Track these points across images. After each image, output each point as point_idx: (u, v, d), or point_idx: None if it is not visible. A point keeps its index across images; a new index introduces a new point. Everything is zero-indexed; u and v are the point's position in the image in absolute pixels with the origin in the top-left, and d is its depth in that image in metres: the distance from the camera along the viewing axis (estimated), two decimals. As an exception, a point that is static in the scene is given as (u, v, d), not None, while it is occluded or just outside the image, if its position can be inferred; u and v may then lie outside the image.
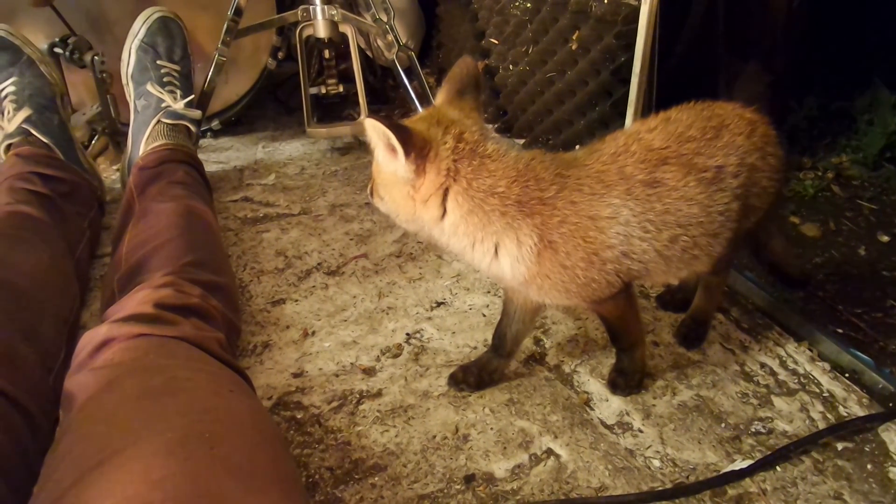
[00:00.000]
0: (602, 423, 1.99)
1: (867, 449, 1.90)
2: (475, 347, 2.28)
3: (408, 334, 2.34)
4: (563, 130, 3.29)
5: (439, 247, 1.86)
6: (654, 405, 2.05)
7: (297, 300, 2.51)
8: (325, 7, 3.23)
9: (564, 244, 1.65)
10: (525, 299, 1.98)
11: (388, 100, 4.02)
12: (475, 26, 3.72)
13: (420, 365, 2.21)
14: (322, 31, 3.26)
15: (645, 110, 2.72)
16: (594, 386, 2.12)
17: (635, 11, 2.61)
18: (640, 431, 1.96)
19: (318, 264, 2.72)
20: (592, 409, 2.04)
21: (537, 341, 2.31)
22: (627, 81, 2.69)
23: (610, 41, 2.81)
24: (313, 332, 2.35)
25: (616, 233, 1.68)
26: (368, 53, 4.00)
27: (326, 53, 3.51)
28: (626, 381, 2.09)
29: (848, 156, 3.54)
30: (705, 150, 1.76)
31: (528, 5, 3.27)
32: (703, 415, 2.01)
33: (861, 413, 2.00)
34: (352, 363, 2.21)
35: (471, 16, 3.74)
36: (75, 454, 1.23)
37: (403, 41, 4.09)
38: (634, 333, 2.04)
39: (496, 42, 3.54)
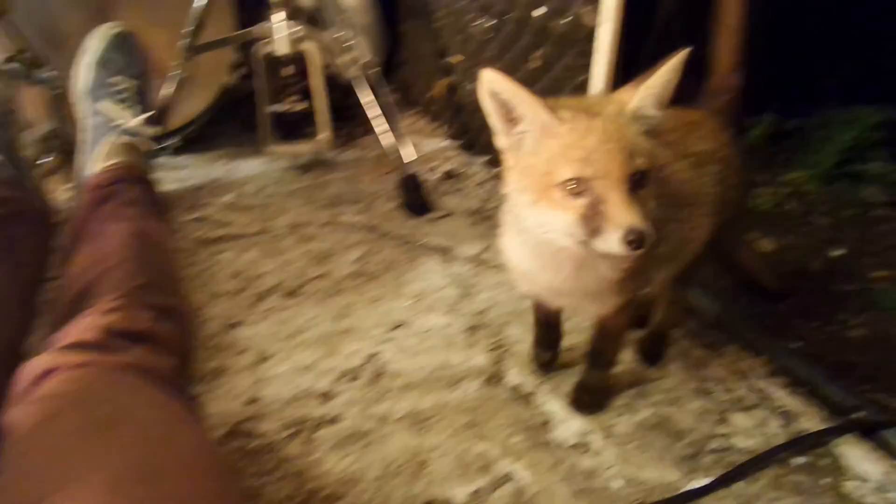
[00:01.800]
0: (562, 444, 1.98)
1: (823, 464, 1.92)
2: (435, 369, 2.25)
3: (366, 357, 2.31)
4: (525, 148, 3.30)
5: None
6: (614, 424, 2.05)
7: (253, 323, 2.46)
8: (286, 24, 3.20)
9: None
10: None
11: (352, 117, 4.00)
12: (438, 44, 3.73)
13: (379, 388, 2.17)
14: (282, 47, 3.24)
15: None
16: (555, 405, 2.11)
17: (595, 31, 2.64)
18: (601, 452, 1.95)
19: (276, 285, 2.67)
20: (553, 429, 2.03)
21: (497, 361, 2.29)
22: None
23: (571, 59, 2.84)
24: (268, 357, 2.30)
25: (660, 212, 1.72)
26: (332, 70, 3.97)
27: (287, 70, 3.47)
28: (591, 399, 2.09)
29: (803, 171, 3.62)
30: (688, 139, 1.90)
31: (491, 23, 3.29)
32: (662, 433, 2.02)
33: (817, 427, 2.02)
34: (308, 388, 2.17)
35: (434, 33, 3.75)
36: (14, 492, 1.17)
37: (367, 58, 4.10)
38: (618, 350, 2.08)
39: (458, 60, 3.55)
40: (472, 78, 3.45)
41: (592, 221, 1.41)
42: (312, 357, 2.30)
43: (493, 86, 1.49)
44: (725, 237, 2.14)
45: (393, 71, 4.53)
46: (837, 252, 3.07)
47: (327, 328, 2.44)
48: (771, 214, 3.35)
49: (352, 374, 2.23)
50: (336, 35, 3.30)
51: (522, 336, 2.39)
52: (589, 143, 1.41)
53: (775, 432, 2.01)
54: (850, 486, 1.85)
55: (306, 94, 3.62)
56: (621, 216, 1.37)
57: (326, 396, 2.13)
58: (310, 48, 3.31)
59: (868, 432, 2.02)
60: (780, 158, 3.72)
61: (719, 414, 2.08)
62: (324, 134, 3.48)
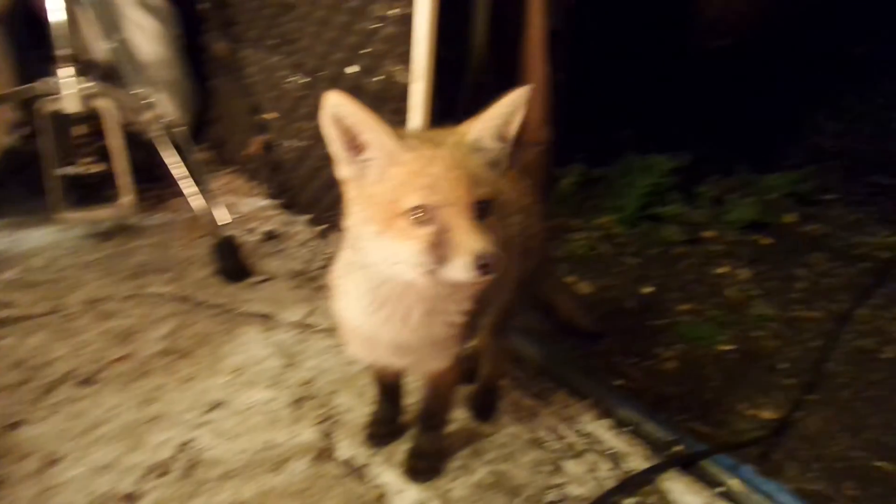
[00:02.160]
0: (399, 517, 1.87)
1: (651, 501, 1.97)
2: (257, 451, 2.06)
3: (178, 446, 2.06)
4: (347, 204, 3.23)
5: None
6: (451, 489, 1.97)
7: (38, 421, 2.12)
8: (76, 80, 2.91)
9: None
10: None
11: (160, 178, 3.70)
12: (251, 100, 3.59)
13: (193, 481, 1.94)
14: (71, 105, 2.93)
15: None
16: (389, 477, 2.00)
17: (409, 88, 2.65)
18: (440, 520, 1.87)
19: (68, 373, 2.34)
20: (389, 503, 1.91)
21: (326, 434, 2.15)
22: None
23: (386, 117, 2.80)
24: (57, 460, 1.98)
25: None
26: (134, 128, 3.67)
27: (80, 129, 3.15)
28: (427, 464, 2.00)
29: (611, 216, 3.87)
30: None
31: (304, 80, 3.22)
32: (499, 491, 1.97)
33: (643, 466, 2.07)
34: (107, 492, 1.88)
35: (246, 90, 3.61)
36: None
37: (174, 115, 3.85)
38: (451, 407, 2.02)
39: (273, 117, 3.43)
40: (289, 135, 3.36)
41: (440, 249, 1.39)
42: (113, 453, 2.02)
43: (337, 110, 1.42)
44: (540, 284, 2.18)
45: (205, 128, 4.30)
46: (647, 289, 3.28)
47: (131, 417, 2.17)
48: (586, 258, 3.53)
49: (161, 469, 1.98)
50: (135, 92, 3.05)
51: (353, 404, 2.27)
52: (435, 170, 1.40)
53: (606, 475, 2.04)
54: (676, 520, 1.91)
55: (105, 155, 3.30)
56: (469, 242, 1.36)
57: (131, 498, 1.87)
58: (105, 105, 3.03)
59: (688, 465, 2.11)
60: (590, 204, 3.96)
61: (552, 464, 2.08)
62: (126, 197, 3.18)
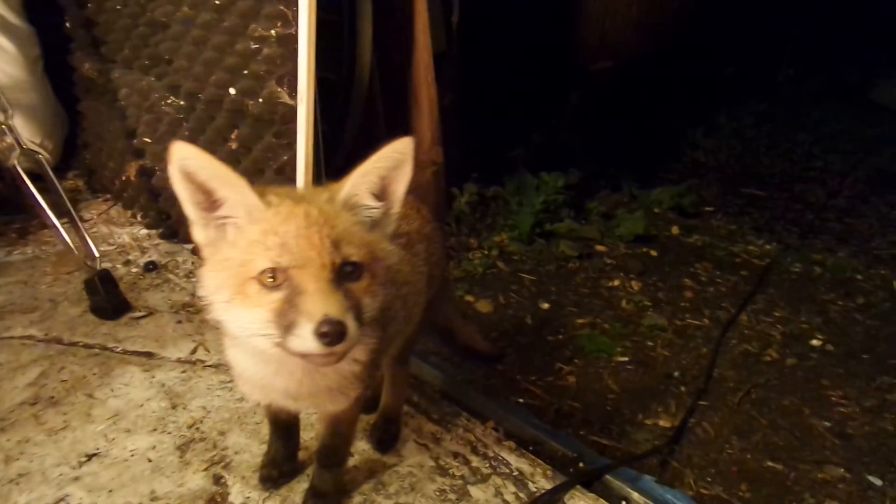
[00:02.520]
0: (298, 563, 1.75)
1: (557, 521, 1.95)
2: (139, 504, 1.88)
3: (48, 505, 1.85)
4: (235, 232, 3.07)
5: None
6: (353, 527, 1.87)
7: None
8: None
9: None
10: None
11: (21, 209, 3.39)
12: (125, 124, 3.36)
13: (65, 544, 1.74)
14: None
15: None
16: (287, 520, 1.87)
17: (293, 110, 2.55)
18: (341, 562, 1.76)
19: (-89, 434, 2.07)
20: (286, 548, 1.79)
21: (218, 479, 1.99)
22: (294, 180, 2.60)
23: (271, 140, 2.71)
24: None
25: (385, 291, 1.60)
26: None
27: (-75, 160, 2.83)
28: (327, 503, 1.88)
29: (507, 234, 3.91)
30: None
31: (182, 103, 3.04)
32: (404, 525, 1.89)
33: (548, 485, 2.05)
34: (-40, 567, 1.66)
35: (119, 113, 3.38)
36: None
37: (37, 141, 3.56)
38: (351, 443, 1.90)
39: (149, 141, 3.22)
40: (167, 161, 3.17)
41: (286, 316, 1.22)
42: (-32, 524, 1.78)
43: (187, 163, 1.26)
44: (437, 310, 2.14)
45: (75, 154, 4.00)
46: (545, 305, 3.32)
47: (-9, 478, 1.93)
48: (484, 277, 3.53)
49: (27, 534, 1.76)
50: (-13, 117, 2.78)
51: (245, 443, 2.12)
52: (288, 228, 1.25)
53: (510, 500, 2.00)
54: (583, 538, 1.90)
55: (-42, 187, 3.00)
56: (315, 306, 1.20)
57: (-11, 574, 1.65)
58: (-47, 133, 2.74)
59: (592, 481, 2.11)
60: (485, 223, 3.98)
61: (457, 491, 2.02)
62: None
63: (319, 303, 1.20)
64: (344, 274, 1.28)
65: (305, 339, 1.20)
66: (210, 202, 1.30)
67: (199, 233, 1.34)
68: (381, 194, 1.40)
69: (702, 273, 3.80)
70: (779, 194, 5.16)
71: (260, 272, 1.24)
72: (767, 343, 3.11)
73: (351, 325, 1.22)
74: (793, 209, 4.88)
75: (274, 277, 1.24)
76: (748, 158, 5.90)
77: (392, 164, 1.36)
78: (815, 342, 3.15)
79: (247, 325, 1.28)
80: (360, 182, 1.36)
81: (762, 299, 3.54)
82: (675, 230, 4.34)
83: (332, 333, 1.19)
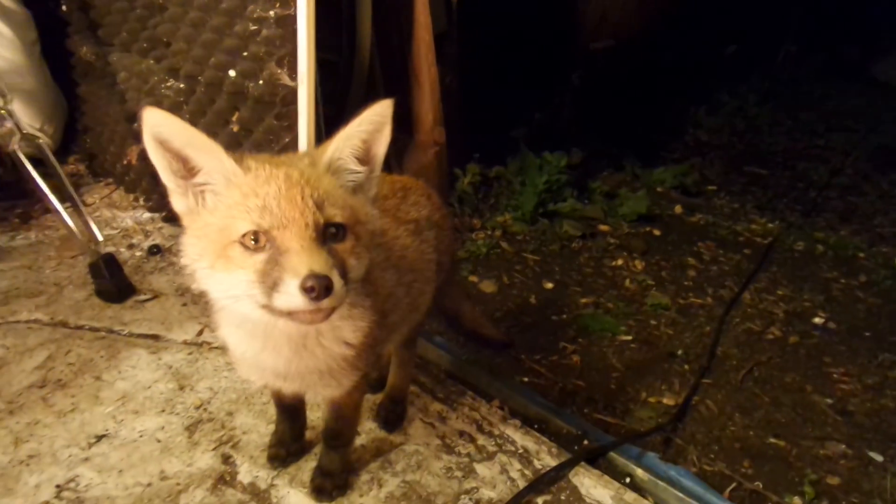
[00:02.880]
0: (307, 540, 1.77)
1: (563, 497, 1.96)
2: (149, 484, 1.90)
3: (58, 486, 1.88)
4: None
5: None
6: (361, 504, 1.89)
7: None
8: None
9: (375, 294, 1.57)
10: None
11: (24, 194, 3.39)
12: (125, 108, 3.35)
13: (75, 524, 1.76)
14: (-88, 119, 2.63)
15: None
16: (296, 497, 1.89)
17: (293, 92, 2.54)
18: (350, 539, 1.78)
19: (-77, 417, 2.09)
20: (295, 525, 1.81)
21: (226, 458, 2.01)
22: (295, 160, 2.59)
23: (272, 122, 2.70)
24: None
25: (387, 278, 1.64)
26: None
27: (-74, 146, 2.83)
28: (333, 482, 1.90)
29: (510, 214, 3.90)
30: (402, 206, 1.82)
31: (181, 86, 3.03)
32: (411, 502, 1.91)
33: (553, 463, 2.07)
34: (-25, 546, 1.68)
35: (118, 97, 3.36)
36: None
37: (37, 126, 3.55)
38: (356, 426, 1.91)
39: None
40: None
41: (270, 276, 1.21)
42: (-18, 501, 1.81)
43: (159, 130, 1.24)
44: (446, 295, 2.14)
45: (76, 139, 3.99)
46: (549, 285, 3.32)
47: (1, 460, 1.95)
48: (487, 257, 3.53)
49: (38, 514, 1.79)
50: (-14, 103, 2.77)
51: (253, 423, 2.14)
52: (269, 190, 1.24)
53: (516, 476, 2.02)
54: (588, 514, 1.92)
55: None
56: (300, 262, 1.19)
57: (5, 550, 1.68)
58: (-47, 118, 2.73)
59: (596, 458, 2.13)
60: (488, 204, 3.97)
61: (464, 468, 2.04)
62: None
63: (304, 259, 1.20)
64: (328, 235, 1.28)
65: (291, 294, 1.19)
66: (187, 169, 1.30)
67: (177, 201, 1.34)
68: (364, 157, 1.40)
69: (705, 252, 3.80)
70: (781, 172, 5.15)
71: (242, 235, 1.24)
72: (770, 321, 3.12)
73: (336, 280, 1.21)
74: (795, 187, 4.87)
75: (256, 240, 1.24)
76: (750, 137, 5.88)
77: (373, 126, 1.36)
78: (817, 320, 3.15)
79: (231, 289, 1.27)
80: (343, 145, 1.36)
81: (765, 277, 3.54)
82: (677, 209, 4.33)
83: (318, 287, 1.18)
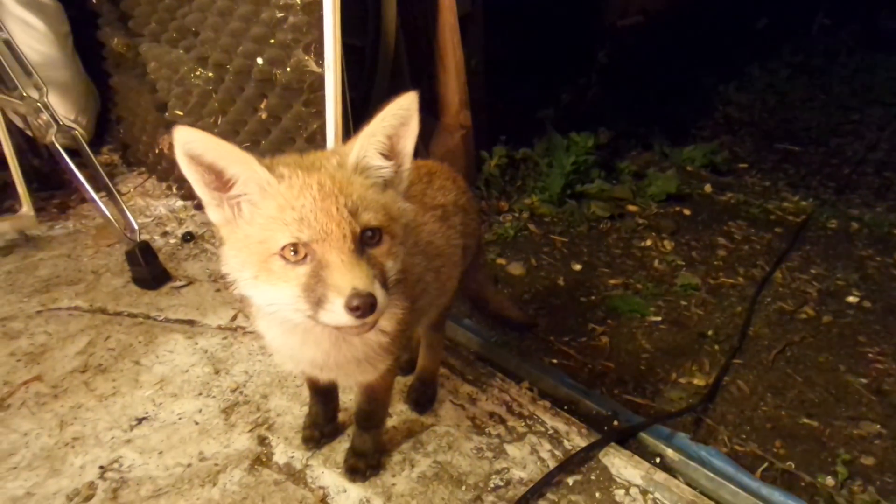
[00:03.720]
0: (343, 519, 1.82)
1: (593, 477, 1.98)
2: (189, 465, 1.96)
3: (101, 467, 1.94)
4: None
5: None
6: (394, 484, 1.93)
7: (-58, 455, 1.96)
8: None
9: (406, 281, 1.56)
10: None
11: (61, 184, 3.48)
12: (156, 97, 3.40)
13: (121, 503, 1.83)
14: (-47, 113, 2.70)
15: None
16: (330, 478, 1.94)
17: (321, 78, 2.56)
18: (384, 517, 1.82)
19: (-27, 401, 2.17)
20: (331, 504, 1.86)
21: (262, 440, 2.06)
22: (324, 147, 2.62)
23: (300, 108, 2.73)
24: (-32, 495, 1.84)
25: (417, 263, 1.65)
26: (29, 133, 3.43)
27: (-34, 139, 2.91)
28: (367, 463, 1.94)
29: (537, 196, 3.89)
30: (429, 192, 1.82)
31: (210, 74, 3.07)
32: (443, 482, 1.94)
33: (583, 443, 2.09)
34: (26, 523, 1.76)
35: (149, 87, 3.42)
36: None
37: (72, 117, 3.62)
38: (387, 408, 1.95)
39: (181, 114, 3.26)
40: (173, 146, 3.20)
41: (315, 291, 1.24)
42: (31, 482, 1.88)
43: (192, 147, 1.25)
44: (471, 279, 2.15)
45: (109, 129, 4.07)
46: (577, 267, 3.32)
47: (48, 442, 2.03)
48: (515, 240, 3.54)
49: (85, 493, 1.86)
50: (24, 95, 2.84)
51: (287, 406, 2.19)
52: (305, 202, 1.25)
53: (546, 457, 2.04)
54: (619, 494, 1.93)
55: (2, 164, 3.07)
56: (343, 280, 1.21)
57: (53, 529, 1.75)
58: (-8, 111, 2.80)
59: (626, 438, 2.14)
60: (515, 186, 3.97)
61: (494, 449, 2.07)
62: (25, 207, 2.95)
63: (347, 276, 1.22)
64: (365, 240, 1.29)
65: (338, 313, 1.22)
66: (221, 182, 1.30)
67: (214, 213, 1.34)
68: (390, 153, 1.38)
69: (736, 231, 3.75)
70: (814, 149, 5.05)
71: (282, 248, 1.25)
72: (803, 300, 3.08)
73: (380, 294, 1.24)
74: (829, 164, 4.77)
75: (296, 252, 1.25)
76: (782, 112, 5.76)
77: (398, 121, 1.34)
78: (851, 299, 3.10)
79: (277, 300, 1.30)
80: (367, 143, 1.35)
81: (798, 256, 3.49)
82: (707, 188, 4.28)
83: (363, 306, 1.20)
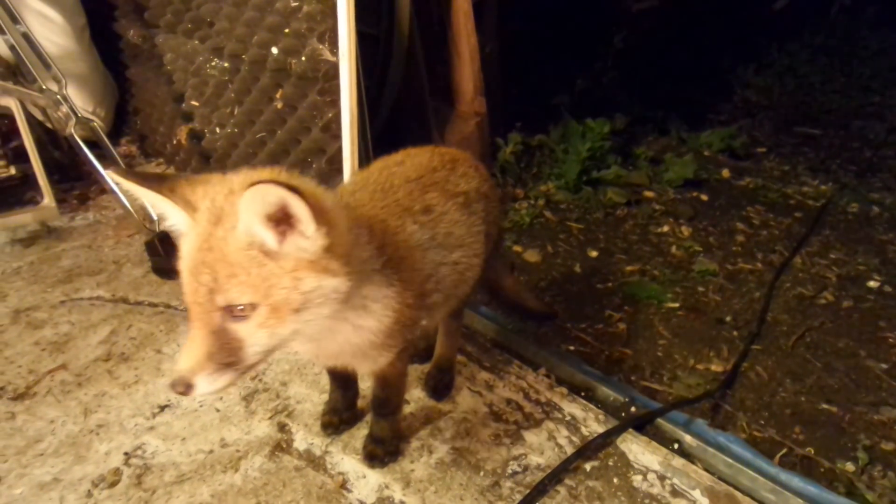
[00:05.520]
0: (363, 504, 1.84)
1: (611, 463, 1.99)
2: (211, 451, 1.99)
3: (126, 454, 1.98)
4: (283, 191, 3.13)
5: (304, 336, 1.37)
6: (412, 470, 1.95)
7: (-30, 442, 2.00)
8: (-25, 79, 2.71)
9: (410, 279, 1.56)
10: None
11: (81, 176, 3.52)
12: (172, 88, 3.43)
13: (145, 489, 1.86)
14: (-26, 106, 2.74)
15: (363, 164, 2.67)
16: (349, 464, 1.96)
17: (335, 67, 2.56)
18: (403, 503, 1.84)
19: (0, 389, 2.21)
20: (350, 490, 1.88)
21: (282, 427, 2.09)
22: (339, 136, 2.62)
23: (315, 98, 2.73)
24: (-2, 479, 1.88)
25: (429, 259, 1.64)
26: (49, 126, 3.48)
27: (-12, 131, 2.95)
28: (385, 449, 1.96)
29: (553, 183, 3.88)
30: (452, 178, 1.82)
31: (226, 65, 3.08)
32: (461, 468, 1.96)
33: (600, 429, 2.09)
34: (54, 508, 1.80)
35: (166, 78, 3.44)
36: None
37: (90, 109, 3.66)
38: (402, 394, 1.96)
39: (197, 104, 3.28)
40: (215, 123, 3.23)
41: None
42: (57, 468, 1.92)
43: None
44: (489, 267, 2.15)
45: (127, 120, 4.10)
46: (593, 253, 3.31)
47: (73, 429, 2.06)
48: (531, 226, 3.53)
49: (110, 479, 1.89)
50: (44, 88, 2.87)
51: (306, 393, 2.21)
52: (184, 258, 1.24)
53: (564, 443, 2.05)
54: (637, 479, 1.94)
55: (19, 156, 3.11)
56: (180, 357, 1.23)
57: (80, 513, 1.78)
58: (12, 105, 2.83)
59: (644, 425, 2.14)
60: (531, 173, 3.96)
61: (511, 435, 2.08)
62: (46, 199, 3.00)
63: (181, 355, 1.23)
64: (233, 312, 1.22)
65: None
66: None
67: None
68: (281, 220, 1.19)
69: (754, 216, 3.72)
70: (835, 132, 4.98)
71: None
72: (823, 286, 3.05)
73: (201, 380, 1.21)
74: (849, 147, 4.70)
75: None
76: (802, 95, 5.68)
77: (269, 206, 1.16)
78: (872, 283, 3.07)
79: None
80: (250, 207, 1.16)
81: (817, 241, 3.46)
82: (725, 173, 4.24)
83: (180, 389, 1.21)
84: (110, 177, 1.25)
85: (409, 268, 1.57)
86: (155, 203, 1.29)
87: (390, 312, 1.52)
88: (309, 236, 1.20)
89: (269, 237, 1.20)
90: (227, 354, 1.22)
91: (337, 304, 1.31)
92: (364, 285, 1.42)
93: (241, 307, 1.21)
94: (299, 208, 1.16)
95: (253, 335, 1.24)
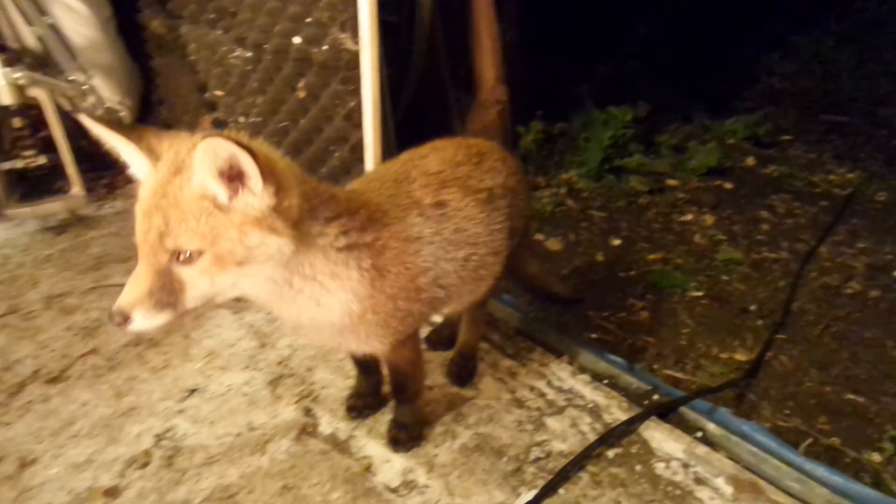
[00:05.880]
0: (387, 487, 1.86)
1: (634, 451, 1.99)
2: (239, 434, 2.03)
3: (156, 436, 2.02)
4: (306, 179, 3.16)
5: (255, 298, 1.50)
6: (436, 455, 1.97)
7: (8, 423, 2.05)
8: (5, 70, 2.75)
9: (392, 269, 1.58)
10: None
11: (108, 165, 3.57)
12: (196, 78, 3.46)
13: (175, 470, 1.90)
14: (4, 97, 2.78)
15: (385, 153, 2.69)
16: (374, 448, 1.98)
17: (357, 56, 2.57)
18: (427, 487, 1.86)
19: (34, 373, 2.27)
20: (375, 474, 1.91)
21: (308, 411, 2.12)
22: (361, 125, 2.64)
23: (337, 87, 2.75)
24: (34, 460, 1.92)
25: (427, 254, 1.64)
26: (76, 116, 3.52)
27: (17, 122, 3.00)
28: (408, 434, 1.99)
29: (575, 171, 3.86)
30: (475, 174, 1.81)
31: (249, 55, 3.10)
32: (484, 453, 1.97)
33: (623, 417, 2.09)
34: (89, 487, 1.84)
35: (190, 68, 3.48)
36: None
37: (117, 99, 3.70)
38: (420, 381, 1.98)
39: (220, 94, 3.31)
40: (239, 112, 3.26)
41: None
42: (90, 449, 1.97)
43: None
44: (516, 255, 2.15)
45: (152, 110, 4.15)
46: (616, 242, 3.30)
47: (105, 412, 2.11)
48: (553, 215, 3.52)
49: (141, 460, 1.94)
50: (71, 78, 2.91)
51: (331, 379, 2.24)
52: (139, 201, 1.32)
53: (587, 430, 2.06)
54: (660, 467, 1.94)
55: (49, 146, 3.17)
56: (124, 290, 1.31)
57: (113, 492, 1.83)
58: (41, 96, 2.88)
59: (666, 413, 2.14)
60: (553, 161, 3.94)
61: (535, 422, 2.09)
62: (75, 188, 3.05)
63: (125, 290, 1.31)
64: (176, 257, 1.30)
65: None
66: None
67: None
68: (232, 176, 1.26)
69: (779, 205, 3.68)
70: (862, 119, 4.90)
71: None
72: (849, 275, 3.02)
73: (139, 314, 1.30)
74: (877, 135, 4.63)
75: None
76: (828, 82, 5.59)
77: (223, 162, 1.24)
78: (900, 273, 3.04)
79: None
80: (204, 159, 1.23)
81: (844, 230, 3.41)
82: (750, 161, 4.19)
83: (116, 321, 1.30)
84: (83, 121, 1.29)
85: (394, 259, 1.58)
86: (121, 149, 1.36)
87: (354, 296, 1.54)
88: (257, 193, 1.27)
89: (220, 191, 1.27)
90: (167, 294, 1.31)
91: (280, 267, 1.40)
92: (314, 257, 1.45)
93: (188, 252, 1.28)
94: (248, 164, 1.22)
95: (194, 280, 1.32)
